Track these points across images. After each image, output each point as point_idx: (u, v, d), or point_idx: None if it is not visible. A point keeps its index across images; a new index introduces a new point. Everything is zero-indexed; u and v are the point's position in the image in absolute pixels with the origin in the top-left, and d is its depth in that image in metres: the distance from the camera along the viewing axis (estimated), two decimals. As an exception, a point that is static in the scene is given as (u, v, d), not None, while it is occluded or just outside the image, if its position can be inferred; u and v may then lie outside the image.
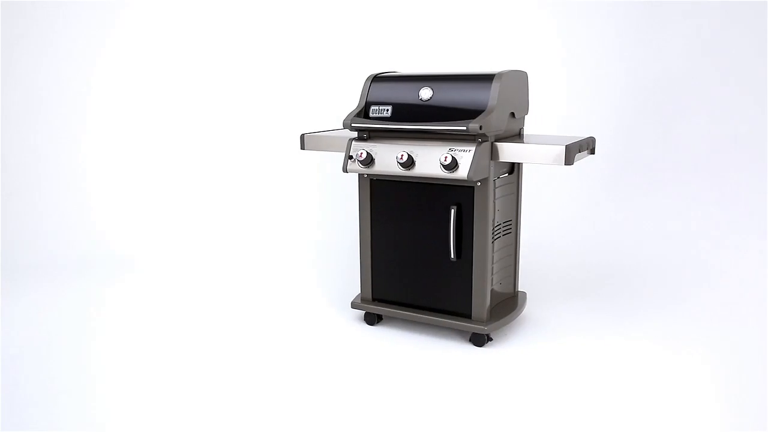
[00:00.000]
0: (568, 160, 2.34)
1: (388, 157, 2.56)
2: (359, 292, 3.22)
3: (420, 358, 2.51)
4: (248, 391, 2.26)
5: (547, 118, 3.97)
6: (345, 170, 2.65)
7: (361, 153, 2.58)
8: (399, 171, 2.54)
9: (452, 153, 2.42)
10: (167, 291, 3.30)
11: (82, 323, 2.88)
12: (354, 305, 2.84)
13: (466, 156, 2.41)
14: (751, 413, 2.06)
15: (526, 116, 2.70)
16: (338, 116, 4.26)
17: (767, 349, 2.52)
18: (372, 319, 2.84)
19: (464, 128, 2.39)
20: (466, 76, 2.55)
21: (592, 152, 2.63)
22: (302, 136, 2.89)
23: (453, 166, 2.41)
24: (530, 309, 2.98)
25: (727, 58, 3.60)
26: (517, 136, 2.69)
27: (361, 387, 2.28)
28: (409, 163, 2.49)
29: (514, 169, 2.73)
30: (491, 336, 2.64)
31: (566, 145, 2.33)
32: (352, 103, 4.20)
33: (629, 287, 3.23)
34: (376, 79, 2.72)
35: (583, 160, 3.91)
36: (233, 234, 4.18)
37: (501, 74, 2.47)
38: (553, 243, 3.82)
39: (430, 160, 2.48)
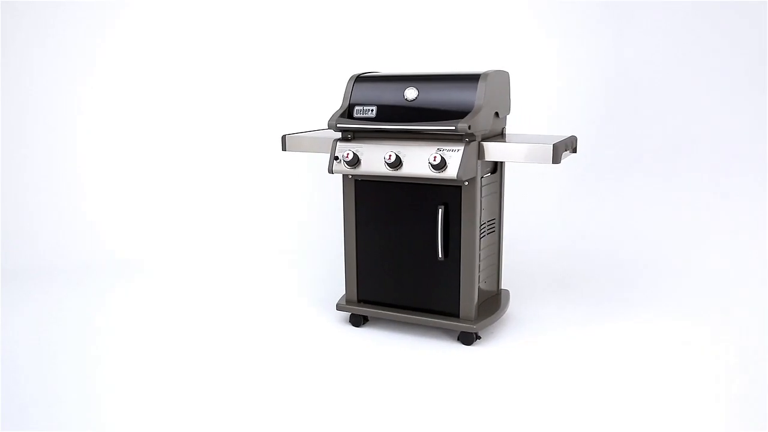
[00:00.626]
0: (556, 159, 2.37)
1: (374, 158, 2.55)
2: (343, 293, 3.20)
3: (410, 358, 2.51)
4: (236, 398, 2.21)
5: (519, 117, 4.03)
6: (330, 171, 2.63)
7: (348, 154, 2.56)
8: (386, 171, 2.53)
9: (441, 153, 2.43)
10: (148, 296, 3.22)
11: (60, 332, 2.78)
12: (339, 307, 2.82)
13: (454, 156, 2.42)
14: (730, 402, 2.13)
15: (507, 116, 2.72)
16: (316, 117, 4.23)
17: (744, 339, 2.61)
18: (358, 320, 2.82)
19: (453, 128, 2.40)
20: (451, 76, 2.56)
21: (574, 151, 2.67)
22: (284, 138, 2.85)
23: (442, 165, 2.42)
24: (513, 306, 3.01)
25: (706, 56, 3.70)
26: (500, 136, 2.72)
27: (354, 389, 2.27)
28: (397, 163, 2.49)
29: (496, 168, 2.75)
30: (479, 334, 2.66)
31: (554, 144, 2.36)
32: (330, 103, 4.17)
33: (608, 282, 3.30)
34: (359, 79, 2.71)
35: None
36: (214, 237, 4.10)
37: (487, 74, 2.49)
38: (530, 241, 3.87)
39: (417, 160, 2.48)
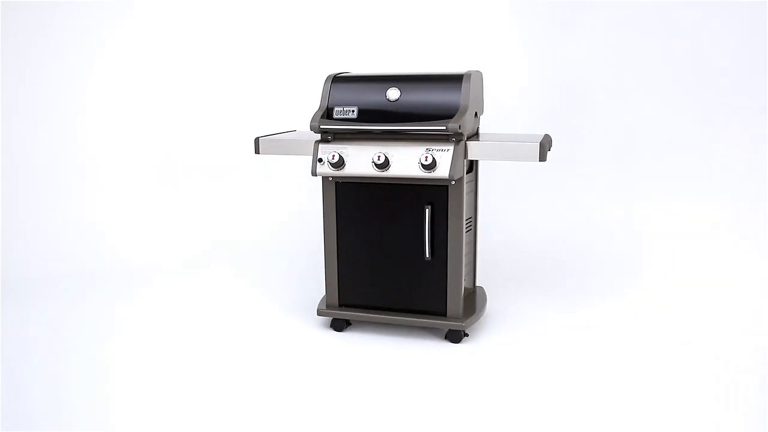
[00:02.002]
0: (542, 157, 2.44)
1: (360, 159, 2.52)
2: (321, 298, 3.12)
3: (400, 359, 2.49)
4: (224, 413, 2.11)
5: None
6: (314, 174, 2.57)
7: (334, 155, 2.52)
8: (373, 172, 2.51)
9: (431, 153, 2.44)
10: (126, 306, 3.06)
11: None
12: (320, 312, 2.76)
13: (444, 155, 2.43)
14: (701, 388, 2.28)
15: (481, 116, 2.77)
16: (279, 118, 4.16)
17: (712, 330, 2.77)
18: (340, 325, 2.77)
19: (444, 128, 2.41)
20: (432, 76, 2.58)
21: (550, 149, 2.76)
22: (257, 140, 2.75)
23: (433, 165, 2.42)
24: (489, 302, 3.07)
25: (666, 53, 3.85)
26: (476, 135, 2.76)
27: (349, 394, 2.23)
28: (386, 164, 2.47)
29: (472, 167, 2.79)
30: (467, 332, 2.69)
31: (540, 142, 2.43)
32: (292, 103, 4.11)
33: (573, 275, 3.39)
34: (336, 79, 2.66)
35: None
36: (181, 245, 3.92)
37: (469, 74, 2.53)
38: (500, 238, 3.91)
39: (406, 161, 2.47)
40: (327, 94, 2.64)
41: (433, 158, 2.42)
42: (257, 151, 2.77)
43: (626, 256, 3.57)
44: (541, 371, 2.37)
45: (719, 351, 2.51)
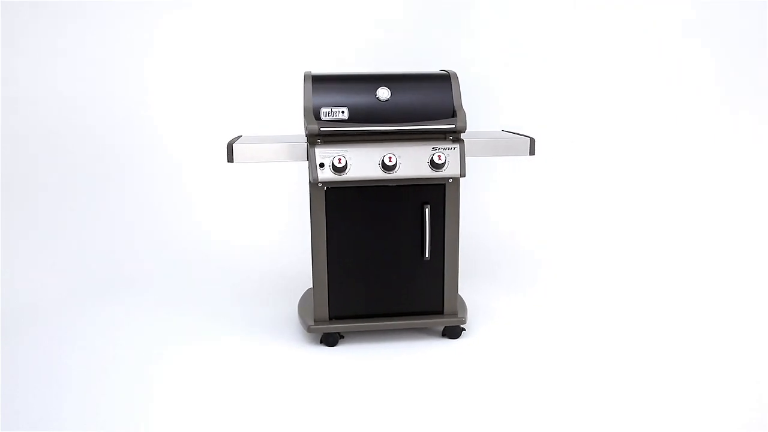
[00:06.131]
0: (532, 151, 2.60)
1: (363, 162, 2.42)
2: (301, 313, 2.85)
3: (407, 363, 2.45)
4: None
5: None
6: (315, 181, 2.39)
7: (339, 159, 2.37)
8: (380, 175, 2.42)
9: (440, 152, 2.44)
10: (108, 317, 2.56)
11: None
12: (311, 329, 2.58)
13: (452, 154, 2.45)
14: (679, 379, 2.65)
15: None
16: (219, 124, 3.85)
17: (706, 326, 2.93)
18: (334, 339, 2.61)
19: (453, 126, 2.43)
20: (417, 76, 2.57)
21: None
22: (230, 147, 2.46)
23: (444, 164, 2.43)
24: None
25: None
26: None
27: (363, 413, 2.14)
28: (395, 165, 2.41)
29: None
30: (464, 326, 2.73)
31: (530, 138, 2.59)
32: (238, 105, 3.81)
33: (532, 267, 3.56)
34: (317, 79, 2.51)
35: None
36: (150, 259, 3.52)
37: (455, 73, 2.58)
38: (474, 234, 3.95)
39: (413, 161, 2.44)
40: (310, 95, 2.47)
41: (446, 157, 2.42)
42: (230, 159, 2.47)
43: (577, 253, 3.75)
44: (543, 356, 2.51)
45: (709, 346, 2.58)
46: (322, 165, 2.39)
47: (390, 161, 2.39)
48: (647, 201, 3.96)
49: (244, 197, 3.94)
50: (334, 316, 2.62)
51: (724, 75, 3.90)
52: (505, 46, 3.92)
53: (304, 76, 2.52)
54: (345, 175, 2.40)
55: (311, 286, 3.25)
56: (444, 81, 2.54)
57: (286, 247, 3.75)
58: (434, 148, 2.45)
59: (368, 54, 3.87)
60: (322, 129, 2.39)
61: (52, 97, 3.67)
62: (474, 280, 3.38)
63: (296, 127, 3.77)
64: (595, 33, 3.90)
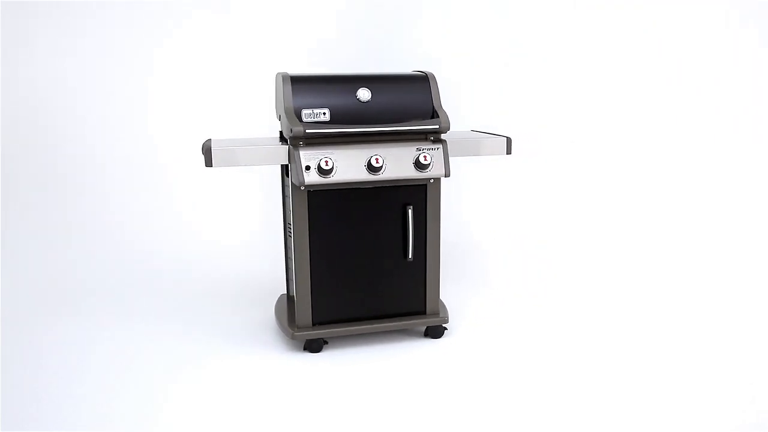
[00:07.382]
0: (509, 150, 2.65)
1: (349, 164, 2.39)
2: (280, 319, 2.77)
3: (393, 366, 2.43)
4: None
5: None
6: (302, 184, 2.33)
7: (327, 161, 2.33)
8: (366, 177, 2.40)
9: (426, 152, 2.44)
10: (83, 323, 2.42)
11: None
12: (295, 336, 2.51)
13: (437, 154, 2.46)
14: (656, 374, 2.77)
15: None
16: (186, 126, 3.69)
17: (701, 324, 2.95)
18: (318, 345, 2.56)
19: (437, 127, 2.44)
20: (395, 77, 2.56)
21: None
22: (208, 150, 2.36)
23: (429, 165, 2.43)
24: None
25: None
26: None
27: (353, 414, 2.14)
28: (382, 166, 2.39)
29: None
30: (446, 326, 2.74)
31: (507, 137, 2.64)
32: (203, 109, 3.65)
33: (507, 265, 3.57)
34: (296, 80, 2.45)
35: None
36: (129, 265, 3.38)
37: (433, 75, 2.59)
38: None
39: (398, 162, 2.43)
40: (290, 96, 2.41)
41: (431, 158, 2.43)
42: (209, 164, 2.37)
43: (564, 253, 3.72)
44: (524, 353, 2.55)
45: (701, 343, 2.60)
46: (308, 168, 2.33)
47: (377, 162, 2.37)
48: (642, 201, 3.91)
49: (206, 201, 3.81)
50: (317, 322, 2.57)
51: (724, 75, 3.89)
52: (505, 46, 3.86)
53: (281, 77, 2.45)
54: (331, 178, 2.36)
55: (284, 291, 3.17)
56: (423, 82, 2.55)
57: (255, 251, 3.64)
58: (419, 149, 2.45)
59: (321, 55, 3.81)
60: (308, 131, 2.33)
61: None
62: (451, 279, 3.40)
63: (261, 128, 3.65)
64: (594, 33, 3.86)
